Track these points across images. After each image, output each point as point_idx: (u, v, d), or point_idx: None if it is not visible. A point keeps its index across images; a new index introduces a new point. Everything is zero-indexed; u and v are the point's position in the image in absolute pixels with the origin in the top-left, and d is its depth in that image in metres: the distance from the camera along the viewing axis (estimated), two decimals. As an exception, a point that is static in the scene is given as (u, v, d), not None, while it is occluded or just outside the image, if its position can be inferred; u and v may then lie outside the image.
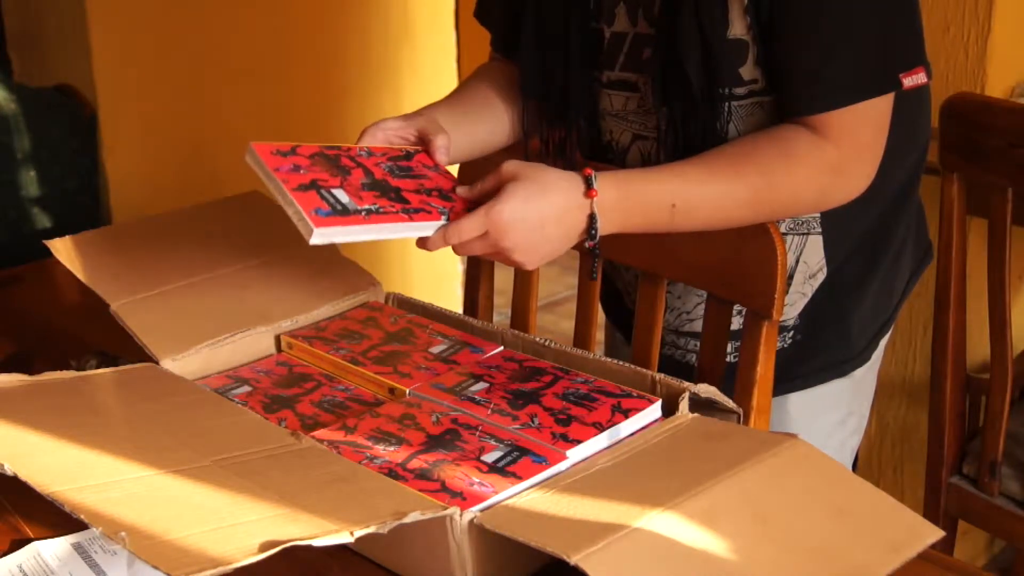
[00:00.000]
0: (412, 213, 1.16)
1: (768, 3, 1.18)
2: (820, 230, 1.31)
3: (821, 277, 1.34)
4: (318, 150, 1.18)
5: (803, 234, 1.31)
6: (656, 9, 1.25)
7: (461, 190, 1.19)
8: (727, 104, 1.23)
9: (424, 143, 1.26)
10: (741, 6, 1.19)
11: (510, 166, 1.15)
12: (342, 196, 1.13)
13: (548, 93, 1.35)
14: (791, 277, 1.33)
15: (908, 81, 1.18)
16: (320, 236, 1.09)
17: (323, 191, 1.13)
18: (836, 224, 1.31)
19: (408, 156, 1.25)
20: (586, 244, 1.18)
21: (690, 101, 1.22)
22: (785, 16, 1.18)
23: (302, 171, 1.15)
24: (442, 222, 1.16)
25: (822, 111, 1.18)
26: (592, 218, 1.16)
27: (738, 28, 1.20)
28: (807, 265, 1.33)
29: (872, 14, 1.17)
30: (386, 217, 1.14)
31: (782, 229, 1.30)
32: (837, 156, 1.19)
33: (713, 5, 1.19)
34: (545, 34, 1.31)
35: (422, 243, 1.17)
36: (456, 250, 1.17)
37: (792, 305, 1.35)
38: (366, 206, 1.14)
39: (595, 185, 1.15)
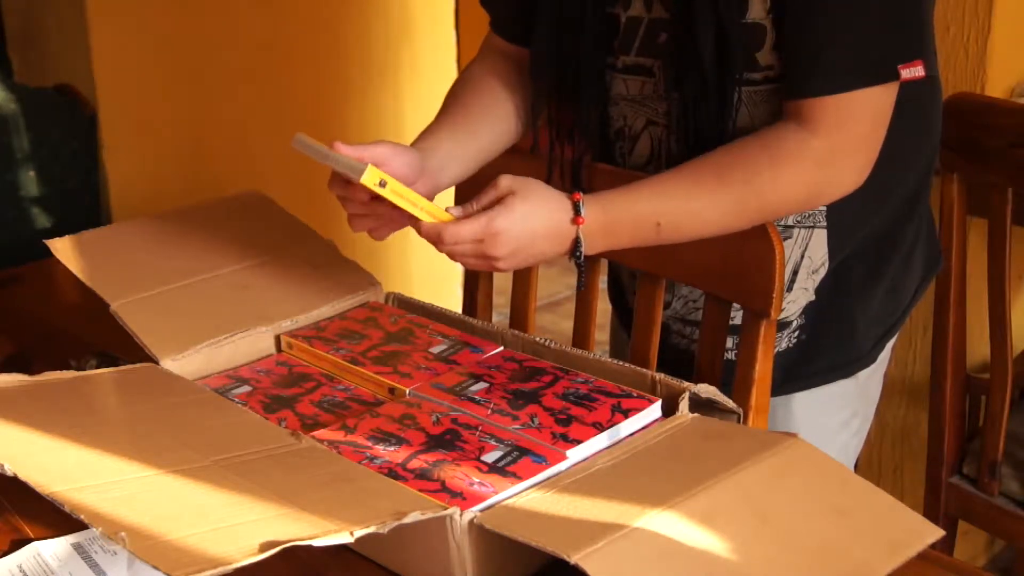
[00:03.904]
0: None
1: None
2: (825, 224, 1.31)
3: (823, 273, 1.34)
4: None
5: (809, 227, 1.31)
6: None
7: (455, 211, 1.21)
8: (739, 90, 1.23)
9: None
10: None
11: (506, 181, 1.20)
12: None
13: (560, 78, 1.35)
14: (796, 272, 1.33)
15: (906, 73, 1.18)
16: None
17: None
18: (841, 219, 1.31)
19: None
20: (571, 260, 1.23)
21: (702, 86, 1.23)
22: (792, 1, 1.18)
23: None
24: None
25: (813, 95, 1.18)
26: (577, 241, 1.21)
27: (757, 11, 1.20)
28: (811, 260, 1.33)
29: (875, 4, 1.17)
30: None
31: (789, 222, 1.31)
32: (825, 149, 1.19)
33: None
34: (562, 18, 1.31)
35: (417, 228, 1.21)
36: (443, 249, 1.20)
37: (795, 302, 1.35)
38: None
39: (582, 212, 1.20)
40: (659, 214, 1.21)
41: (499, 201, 1.19)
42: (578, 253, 1.21)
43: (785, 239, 1.31)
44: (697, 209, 1.22)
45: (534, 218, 1.18)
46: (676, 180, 1.22)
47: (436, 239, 1.19)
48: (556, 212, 1.19)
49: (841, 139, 1.19)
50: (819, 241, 1.32)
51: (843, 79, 1.17)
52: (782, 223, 1.30)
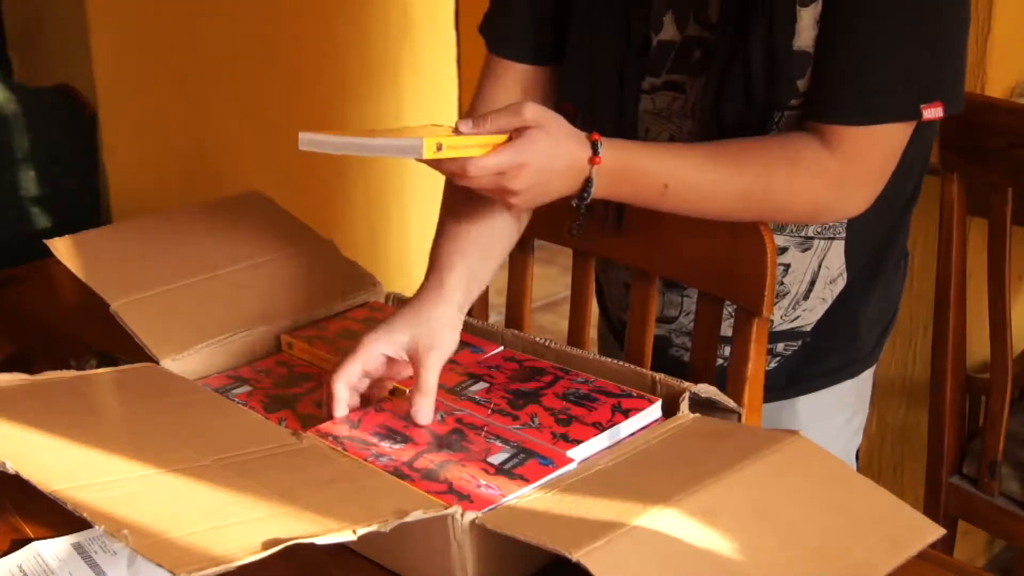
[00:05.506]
0: None
1: (833, 12, 1.17)
2: (844, 236, 1.31)
3: (841, 283, 1.34)
4: None
5: (828, 239, 1.31)
6: (712, 12, 1.24)
7: (464, 126, 1.14)
8: (780, 114, 1.22)
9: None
10: (813, 16, 1.18)
11: (534, 113, 1.14)
12: None
13: (593, 100, 1.33)
14: (813, 282, 1.33)
15: (927, 113, 1.17)
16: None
17: None
18: (859, 231, 1.31)
19: None
20: (573, 202, 1.19)
21: (745, 110, 1.22)
22: (829, 24, 1.18)
23: None
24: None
25: (832, 123, 1.18)
26: (588, 181, 1.17)
27: (805, 39, 1.19)
28: (828, 270, 1.33)
29: (907, 40, 1.16)
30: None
31: (809, 232, 1.31)
32: (840, 172, 1.19)
33: (784, 15, 1.18)
34: (592, 35, 1.30)
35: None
36: (465, 182, 1.14)
37: (811, 310, 1.35)
38: None
39: (600, 152, 1.16)
40: (669, 176, 1.19)
41: (521, 131, 1.13)
42: (585, 194, 1.18)
43: (804, 250, 1.31)
44: (706, 183, 1.20)
45: (555, 154, 1.15)
46: (694, 150, 1.21)
47: (461, 173, 1.13)
48: (576, 150, 1.16)
49: (855, 168, 1.19)
50: (837, 252, 1.32)
51: (865, 114, 1.17)
52: (802, 234, 1.30)
